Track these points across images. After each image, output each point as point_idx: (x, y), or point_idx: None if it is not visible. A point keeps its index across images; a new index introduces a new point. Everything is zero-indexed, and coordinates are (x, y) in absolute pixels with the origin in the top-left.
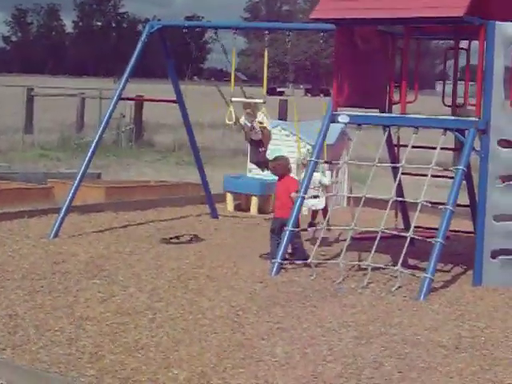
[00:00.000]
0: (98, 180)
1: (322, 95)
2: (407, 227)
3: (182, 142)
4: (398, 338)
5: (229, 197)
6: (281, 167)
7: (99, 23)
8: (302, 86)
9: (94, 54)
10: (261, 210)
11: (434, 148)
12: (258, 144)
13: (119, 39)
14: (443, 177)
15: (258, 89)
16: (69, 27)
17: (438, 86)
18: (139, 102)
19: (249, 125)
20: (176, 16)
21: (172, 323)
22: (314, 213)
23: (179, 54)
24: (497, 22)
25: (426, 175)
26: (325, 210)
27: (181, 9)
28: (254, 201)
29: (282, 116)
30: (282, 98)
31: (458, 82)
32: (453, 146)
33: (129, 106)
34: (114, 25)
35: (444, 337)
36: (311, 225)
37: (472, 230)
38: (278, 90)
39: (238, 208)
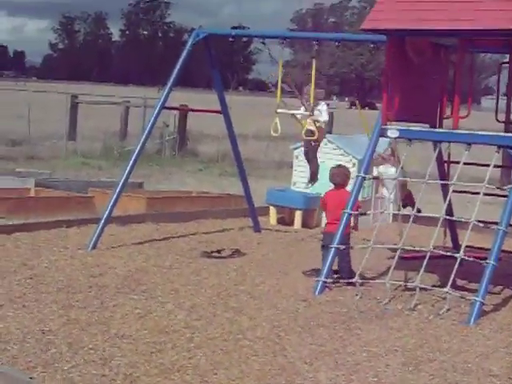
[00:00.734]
0: (140, 190)
1: (366, 108)
2: (455, 246)
3: (225, 153)
4: (447, 365)
5: (272, 210)
6: (341, 175)
7: (146, 32)
8: (346, 99)
9: (140, 62)
10: (304, 225)
11: (487, 165)
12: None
13: (165, 48)
14: (495, 195)
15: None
16: (115, 35)
17: (484, 102)
18: (183, 112)
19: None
20: (222, 26)
21: (211, 343)
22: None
23: (224, 63)
24: None
25: (475, 193)
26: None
27: (227, 19)
28: (298, 215)
29: (329, 129)
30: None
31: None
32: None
33: (173, 115)
34: (160, 34)
35: (496, 365)
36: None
37: None
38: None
39: (281, 222)
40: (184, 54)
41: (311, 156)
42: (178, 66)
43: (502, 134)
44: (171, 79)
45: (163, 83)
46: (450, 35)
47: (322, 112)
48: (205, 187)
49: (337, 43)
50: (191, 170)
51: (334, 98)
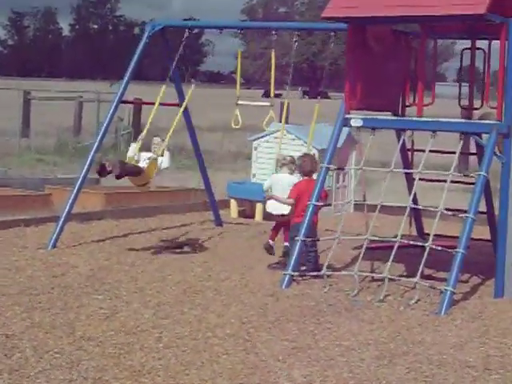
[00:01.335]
0: (97, 186)
1: (319, 97)
2: (421, 235)
3: (180, 146)
4: (422, 358)
5: (233, 203)
6: (311, 163)
7: (96, 26)
8: (299, 89)
9: (91, 57)
10: (266, 217)
11: (452, 153)
12: None
13: (116, 42)
14: (461, 182)
15: (255, 91)
16: (66, 30)
17: (439, 88)
18: (137, 106)
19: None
20: (173, 19)
21: (180, 343)
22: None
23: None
24: None
25: (442, 181)
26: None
27: (177, 12)
28: (259, 207)
29: (285, 118)
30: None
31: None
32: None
33: (127, 109)
34: (110, 28)
35: (471, 356)
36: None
37: (489, 238)
38: (276, 92)
39: (242, 215)
40: (140, 46)
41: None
42: (134, 59)
43: (468, 120)
44: (128, 73)
45: (115, 77)
46: (410, 21)
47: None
48: (162, 181)
49: (296, 33)
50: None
51: (287, 87)
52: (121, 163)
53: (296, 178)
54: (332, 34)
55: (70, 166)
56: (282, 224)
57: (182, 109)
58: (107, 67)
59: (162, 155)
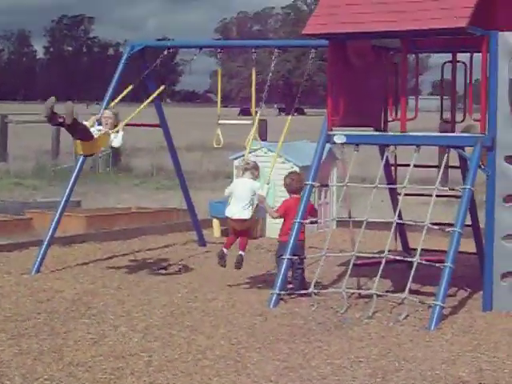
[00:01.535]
0: (78, 208)
1: (296, 114)
2: (406, 250)
3: (159, 166)
4: (415, 374)
5: (215, 222)
6: (299, 182)
7: (70, 48)
8: (275, 106)
9: (66, 78)
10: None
11: (437, 166)
12: None
13: (90, 64)
14: (447, 196)
15: (231, 109)
16: (40, 53)
17: (411, 102)
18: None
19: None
20: (147, 39)
21: (171, 366)
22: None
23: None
24: (500, 32)
25: (428, 195)
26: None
27: (151, 32)
28: None
29: (263, 136)
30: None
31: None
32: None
33: None
34: (84, 49)
35: (464, 370)
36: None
37: (474, 251)
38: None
39: (225, 234)
40: (120, 67)
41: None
42: (114, 80)
43: (451, 134)
44: (108, 94)
45: (90, 98)
46: (391, 36)
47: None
48: (143, 202)
49: (276, 50)
50: (127, 185)
51: (262, 105)
52: (75, 116)
53: (258, 183)
54: (313, 50)
55: (49, 190)
56: (240, 232)
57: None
58: (82, 89)
59: (117, 132)
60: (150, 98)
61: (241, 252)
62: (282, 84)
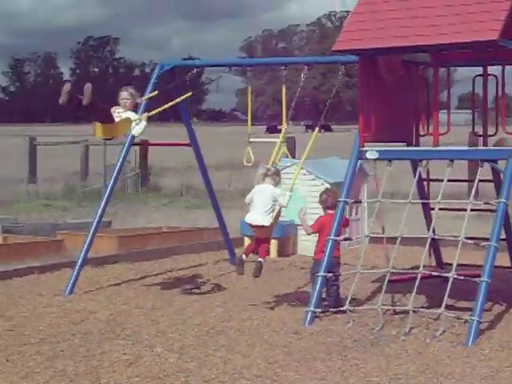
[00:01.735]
0: (109, 229)
1: (322, 131)
2: (440, 265)
3: (188, 185)
4: None
5: (247, 241)
6: (333, 198)
7: (96, 69)
8: (302, 123)
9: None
10: (280, 253)
11: (470, 181)
12: None
13: (116, 84)
14: (482, 210)
15: (258, 127)
16: (66, 75)
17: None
18: (144, 147)
19: None
20: (172, 59)
21: None
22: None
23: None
24: None
25: (462, 209)
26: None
27: (176, 52)
28: (274, 244)
29: (291, 153)
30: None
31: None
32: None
33: (133, 150)
34: (110, 70)
35: None
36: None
37: (508, 265)
38: (279, 127)
39: (256, 252)
40: (150, 87)
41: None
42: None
43: (484, 148)
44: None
45: None
46: (421, 51)
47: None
48: (172, 221)
49: (307, 67)
50: (156, 205)
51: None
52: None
53: (279, 190)
54: (342, 66)
55: (78, 211)
56: (261, 239)
57: None
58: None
59: (140, 120)
60: (179, 99)
61: (260, 259)
62: (308, 101)
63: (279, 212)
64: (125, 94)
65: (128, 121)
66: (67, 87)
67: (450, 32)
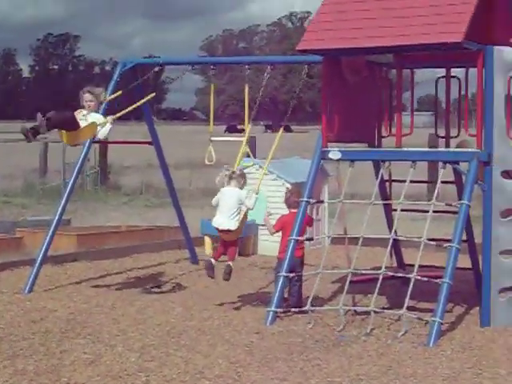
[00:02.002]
0: (68, 227)
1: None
2: (401, 266)
3: (148, 184)
4: None
5: (207, 240)
6: (296, 196)
7: (56, 66)
8: (261, 123)
9: (52, 97)
10: (241, 253)
11: (432, 182)
12: None
13: (76, 82)
14: (444, 212)
15: (217, 127)
16: (25, 72)
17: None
18: (104, 145)
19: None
20: (133, 57)
21: None
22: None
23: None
24: (495, 47)
25: (424, 211)
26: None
27: (137, 50)
28: None
29: (252, 153)
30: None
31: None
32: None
33: (92, 148)
34: (70, 68)
35: None
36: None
37: (469, 267)
38: (239, 127)
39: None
40: (112, 84)
41: None
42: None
43: (448, 149)
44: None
45: None
46: (384, 52)
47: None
48: (132, 220)
49: (270, 67)
50: (115, 203)
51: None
52: (53, 116)
53: (245, 192)
54: (306, 67)
55: (38, 208)
56: (228, 242)
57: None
58: (68, 107)
59: (105, 124)
60: (143, 101)
61: (229, 262)
62: (268, 101)
63: (246, 215)
64: (88, 97)
65: (94, 125)
66: (23, 129)
67: (414, 33)
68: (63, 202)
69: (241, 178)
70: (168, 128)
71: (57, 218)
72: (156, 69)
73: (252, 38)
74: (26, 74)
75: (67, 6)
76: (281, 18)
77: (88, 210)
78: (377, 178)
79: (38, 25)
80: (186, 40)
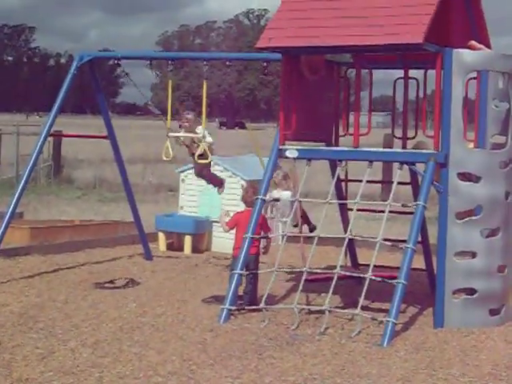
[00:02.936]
0: (21, 220)
1: (237, 128)
2: (355, 265)
3: (102, 178)
4: None
5: (161, 236)
6: (252, 194)
7: (10, 58)
8: (216, 120)
9: (6, 89)
10: (194, 249)
11: (389, 182)
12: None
13: (31, 74)
14: (400, 212)
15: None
16: None
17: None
18: (57, 138)
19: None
20: (88, 50)
21: (122, 382)
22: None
23: (89, 88)
24: (454, 50)
25: (377, 211)
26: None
27: (93, 43)
28: (188, 240)
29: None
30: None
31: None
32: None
33: (47, 141)
34: (25, 60)
35: None
36: None
37: (423, 268)
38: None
39: (170, 247)
40: (68, 78)
41: (206, 173)
42: (62, 91)
43: (405, 150)
44: (56, 105)
45: (30, 109)
46: (344, 52)
47: (207, 134)
48: (85, 214)
49: (228, 63)
50: (69, 197)
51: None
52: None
53: (289, 193)
54: (264, 64)
55: None
56: None
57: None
58: (21, 99)
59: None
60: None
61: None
62: (223, 98)
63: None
64: (189, 117)
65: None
66: None
67: (375, 34)
68: (17, 194)
69: (283, 181)
70: (122, 122)
71: (10, 210)
72: (115, 62)
73: (208, 35)
74: None
75: None
76: (238, 15)
77: (41, 204)
78: (333, 178)
79: None
80: (143, 35)
